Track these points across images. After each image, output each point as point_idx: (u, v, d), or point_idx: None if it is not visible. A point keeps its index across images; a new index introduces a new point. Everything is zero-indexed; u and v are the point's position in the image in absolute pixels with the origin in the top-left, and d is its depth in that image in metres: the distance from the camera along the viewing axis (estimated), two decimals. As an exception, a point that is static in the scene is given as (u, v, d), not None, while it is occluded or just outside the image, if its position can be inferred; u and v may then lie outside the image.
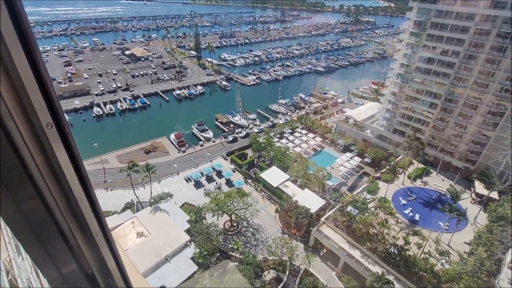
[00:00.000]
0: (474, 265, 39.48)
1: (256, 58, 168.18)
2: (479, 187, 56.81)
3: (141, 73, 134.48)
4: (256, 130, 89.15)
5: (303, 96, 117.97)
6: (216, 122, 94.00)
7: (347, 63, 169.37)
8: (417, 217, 53.17)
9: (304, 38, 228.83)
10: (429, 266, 39.94)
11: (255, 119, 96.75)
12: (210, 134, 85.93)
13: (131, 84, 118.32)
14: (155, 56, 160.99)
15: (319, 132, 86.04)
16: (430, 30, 60.84)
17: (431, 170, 66.55)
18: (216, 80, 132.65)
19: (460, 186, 58.71)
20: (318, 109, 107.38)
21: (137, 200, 55.49)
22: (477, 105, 59.36)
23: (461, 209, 50.78)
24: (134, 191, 55.12)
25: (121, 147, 76.52)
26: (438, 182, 63.45)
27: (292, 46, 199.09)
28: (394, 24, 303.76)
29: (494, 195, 53.97)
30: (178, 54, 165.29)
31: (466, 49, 57.10)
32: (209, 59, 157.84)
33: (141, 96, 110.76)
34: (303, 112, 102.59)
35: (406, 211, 54.34)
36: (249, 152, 75.39)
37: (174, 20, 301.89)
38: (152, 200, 53.13)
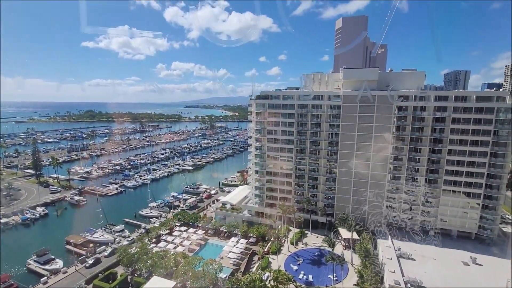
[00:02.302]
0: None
1: (117, 167, 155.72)
2: (344, 233, 66.07)
3: None
4: (125, 242, 74.76)
5: (176, 194, 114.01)
6: (68, 246, 73.20)
7: (212, 160, 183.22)
8: (310, 278, 54.24)
9: (168, 144, 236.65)
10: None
11: (122, 230, 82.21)
12: (58, 264, 65.00)
13: None
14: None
15: (200, 225, 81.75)
16: (269, 118, 76.73)
17: (306, 232, 73.11)
18: (65, 197, 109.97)
19: (331, 237, 66.26)
20: (193, 203, 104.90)
21: None
22: (318, 168, 74.57)
23: (340, 256, 56.11)
24: None
25: None
26: (314, 240, 69.65)
27: (156, 151, 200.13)
28: (242, 127, 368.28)
29: (356, 236, 63.74)
30: (6, 175, 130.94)
31: (296, 128, 74.39)
32: (55, 175, 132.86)
33: None
34: (179, 210, 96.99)
35: (300, 276, 54.79)
36: (119, 270, 60.45)
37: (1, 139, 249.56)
38: None
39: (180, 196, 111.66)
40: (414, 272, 50.94)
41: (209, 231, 78.94)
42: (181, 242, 72.95)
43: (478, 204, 63.48)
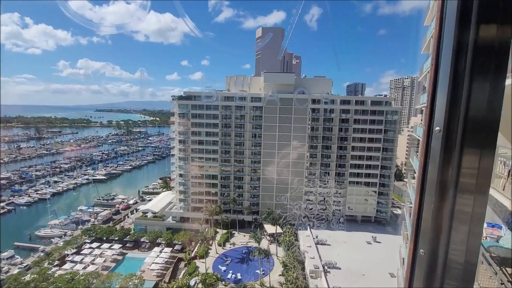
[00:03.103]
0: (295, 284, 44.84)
1: (3, 181, 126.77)
2: (269, 228, 69.08)
3: None
4: (16, 271, 61.07)
5: (85, 208, 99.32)
6: None
7: (130, 167, 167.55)
8: (239, 276, 54.71)
9: (73, 152, 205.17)
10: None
11: (12, 257, 67.03)
12: None
13: None
14: None
15: (117, 239, 73.19)
16: (193, 119, 74.84)
17: (233, 232, 73.54)
18: None
19: (257, 232, 68.36)
20: (108, 216, 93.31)
21: None
22: (243, 168, 76.30)
23: (266, 249, 58.41)
24: None
25: None
26: (241, 239, 70.65)
27: (58, 161, 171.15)
28: (164, 132, 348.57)
29: (280, 230, 67.41)
30: None
31: (220, 129, 74.64)
32: None
33: None
34: (89, 225, 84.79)
35: (229, 276, 54.70)
36: (8, 304, 48.99)
37: None
38: None
39: (90, 210, 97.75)
40: (329, 256, 56.93)
41: (127, 244, 71.43)
42: (93, 260, 63.89)
43: (375, 192, 75.41)
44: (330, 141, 73.78)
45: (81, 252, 67.50)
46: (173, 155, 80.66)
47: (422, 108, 24.42)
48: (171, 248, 68.55)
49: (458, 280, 0.88)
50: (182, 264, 61.96)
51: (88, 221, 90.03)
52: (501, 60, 0.72)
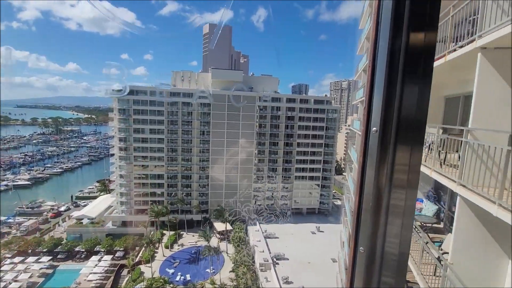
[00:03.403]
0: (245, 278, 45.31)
1: None
2: (219, 226, 68.52)
3: None
4: None
5: (4, 219, 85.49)
6: None
7: (61, 170, 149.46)
8: (188, 277, 53.15)
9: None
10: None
11: None
12: None
13: None
14: None
15: (45, 251, 64.64)
16: (135, 116, 69.98)
17: (181, 233, 71.10)
18: None
19: (206, 230, 67.32)
20: (34, 226, 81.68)
21: None
22: (191, 166, 74.20)
23: (216, 247, 57.87)
24: None
25: None
26: (190, 239, 68.73)
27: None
28: (102, 131, 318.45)
29: (230, 227, 67.41)
30: None
31: (166, 126, 71.33)
32: None
33: None
34: (9, 238, 73.20)
35: (177, 278, 52.76)
36: None
37: None
38: None
39: (10, 220, 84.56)
40: (278, 248, 59.03)
41: (59, 256, 63.68)
42: (15, 277, 55.42)
43: (318, 185, 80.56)
44: (277, 137, 76.34)
45: (0, 269, 57.97)
46: (112, 154, 74.43)
47: (358, 105, 26.82)
48: (112, 256, 63.21)
49: (393, 271, 0.94)
50: (125, 271, 57.63)
51: (8, 233, 77.65)
52: (428, 63, 0.79)
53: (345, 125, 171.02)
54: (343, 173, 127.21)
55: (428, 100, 0.84)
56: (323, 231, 69.30)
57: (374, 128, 0.87)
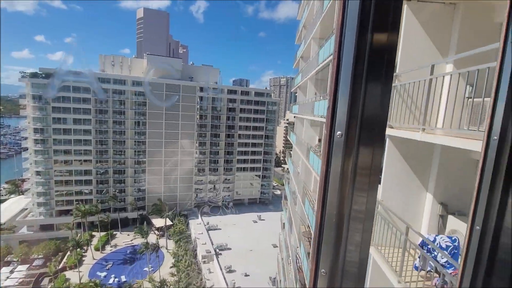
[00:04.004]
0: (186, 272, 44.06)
1: None
2: (157, 222, 64.95)
3: None
4: None
5: None
6: None
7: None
8: (123, 278, 49.23)
9: None
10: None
11: None
12: None
13: None
14: None
15: None
16: (54, 103, 60.96)
17: (114, 233, 65.28)
18: None
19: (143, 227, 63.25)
20: None
21: None
22: (124, 160, 68.33)
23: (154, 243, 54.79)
24: None
25: None
26: (125, 239, 63.62)
27: None
28: (11, 124, 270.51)
29: (170, 222, 64.47)
30: None
31: (94, 115, 64.03)
32: None
33: None
34: None
35: (111, 280, 48.40)
36: None
37: None
38: None
39: None
40: (221, 239, 58.92)
41: (-48, 272, 52.08)
42: None
43: (259, 176, 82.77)
44: (219, 129, 75.58)
45: None
46: (26, 149, 63.81)
47: (296, 92, 28.01)
48: (28, 265, 54.45)
49: (354, 280, 0.91)
50: (47, 280, 50.37)
51: None
52: (390, 64, 0.79)
53: (284, 120, 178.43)
54: (282, 165, 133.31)
55: (389, 100, 0.82)
56: (264, 219, 71.62)
57: (339, 132, 0.83)
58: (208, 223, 66.06)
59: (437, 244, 4.34)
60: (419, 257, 4.76)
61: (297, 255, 18.03)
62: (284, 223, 28.64)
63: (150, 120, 68.28)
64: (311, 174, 17.56)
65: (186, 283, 45.71)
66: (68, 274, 49.88)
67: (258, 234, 62.48)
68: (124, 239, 63.99)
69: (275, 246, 52.87)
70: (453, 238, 4.22)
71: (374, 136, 0.84)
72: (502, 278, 0.89)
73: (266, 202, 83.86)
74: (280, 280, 28.71)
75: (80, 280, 46.18)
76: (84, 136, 64.24)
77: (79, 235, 60.46)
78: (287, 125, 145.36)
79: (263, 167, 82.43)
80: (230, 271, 49.05)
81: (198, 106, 72.04)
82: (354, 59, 0.78)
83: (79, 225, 61.97)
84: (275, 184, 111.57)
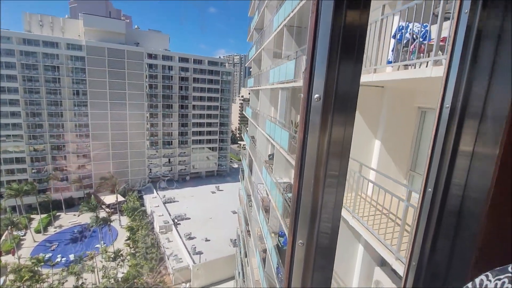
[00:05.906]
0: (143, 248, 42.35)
1: None
2: (108, 199, 60.74)
3: None
4: None
5: None
6: None
7: None
8: (71, 257, 45.58)
9: None
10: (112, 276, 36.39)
11: None
12: None
13: None
14: None
15: None
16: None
17: (58, 214, 59.50)
18: None
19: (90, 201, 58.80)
20: None
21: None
22: (63, 134, 61.30)
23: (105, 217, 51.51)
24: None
25: None
26: (71, 219, 58.42)
27: None
28: None
29: (121, 198, 60.79)
30: None
31: (21, 83, 55.52)
32: None
33: None
34: None
35: (57, 260, 44.45)
36: None
37: None
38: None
39: None
40: (179, 210, 57.59)
41: None
42: None
43: (216, 149, 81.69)
44: (171, 100, 71.72)
45: None
46: None
47: (250, 68, 26.52)
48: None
49: (325, 260, 0.92)
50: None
51: None
52: (361, 42, 0.82)
53: (239, 97, 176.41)
54: (238, 142, 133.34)
55: (360, 75, 0.86)
56: (222, 190, 71.69)
57: (317, 95, 0.84)
58: (164, 196, 63.88)
59: (410, 29, 4.33)
60: (392, 51, 4.76)
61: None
62: (242, 196, 28.43)
63: (92, 89, 61.61)
64: (268, 143, 17.16)
65: (143, 254, 44.13)
66: (5, 259, 44.40)
67: (218, 204, 62.49)
68: (70, 219, 58.73)
69: (234, 212, 53.47)
70: (424, 24, 4.21)
71: (347, 107, 0.86)
72: (448, 229, 0.97)
73: (223, 174, 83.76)
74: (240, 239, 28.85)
75: (18, 260, 41.47)
76: (11, 107, 55.62)
77: (16, 219, 53.70)
78: (242, 102, 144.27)
79: (219, 139, 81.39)
80: (190, 238, 48.58)
81: (147, 74, 66.90)
82: (331, 32, 0.80)
83: (14, 209, 54.93)
84: (231, 159, 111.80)
